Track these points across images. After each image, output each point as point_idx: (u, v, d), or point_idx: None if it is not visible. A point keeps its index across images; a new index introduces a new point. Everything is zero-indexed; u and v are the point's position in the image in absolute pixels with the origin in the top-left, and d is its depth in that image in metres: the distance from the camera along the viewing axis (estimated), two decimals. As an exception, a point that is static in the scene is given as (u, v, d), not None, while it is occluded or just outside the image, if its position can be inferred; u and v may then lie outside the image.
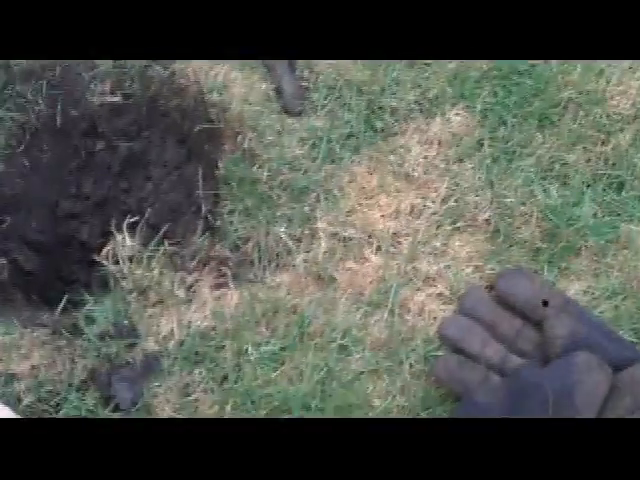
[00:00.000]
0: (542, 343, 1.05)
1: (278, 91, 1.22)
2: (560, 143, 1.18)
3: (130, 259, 1.08)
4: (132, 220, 1.10)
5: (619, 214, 1.15)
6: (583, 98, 1.22)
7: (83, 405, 1.02)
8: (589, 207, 1.14)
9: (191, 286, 1.09)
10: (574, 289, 1.11)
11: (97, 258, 1.10)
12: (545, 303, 1.06)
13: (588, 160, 1.18)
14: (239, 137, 1.17)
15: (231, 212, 1.14)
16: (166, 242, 1.09)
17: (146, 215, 1.13)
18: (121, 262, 1.08)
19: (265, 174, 1.14)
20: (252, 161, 1.15)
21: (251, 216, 1.13)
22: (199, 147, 1.20)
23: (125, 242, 1.08)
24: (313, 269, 1.11)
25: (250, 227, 1.13)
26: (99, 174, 1.20)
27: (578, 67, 1.23)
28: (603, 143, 1.19)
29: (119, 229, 1.09)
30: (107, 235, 1.15)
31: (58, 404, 1.02)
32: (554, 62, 1.23)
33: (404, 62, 1.23)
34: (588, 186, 1.17)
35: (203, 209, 1.15)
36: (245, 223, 1.13)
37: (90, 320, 1.07)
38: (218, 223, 1.13)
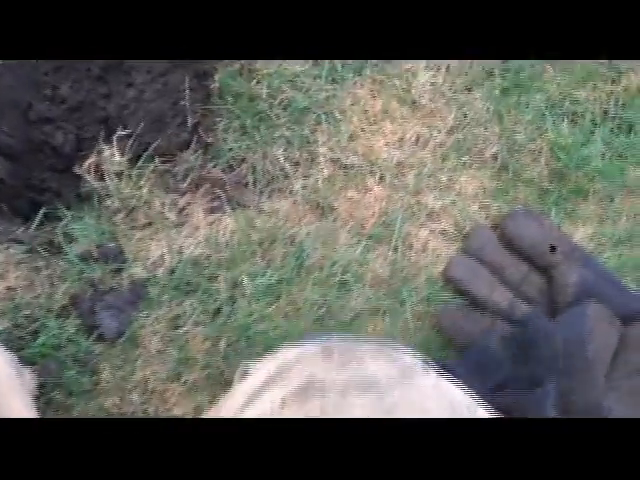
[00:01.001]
0: (548, 290, 1.01)
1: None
2: (570, 79, 1.13)
3: (118, 175, 0.98)
4: (123, 134, 1.00)
5: (627, 157, 1.12)
6: (597, 33, 1.15)
7: (63, 333, 0.94)
8: (598, 147, 1.10)
9: (183, 209, 1.00)
10: (580, 234, 1.07)
11: (78, 171, 1.00)
12: (553, 248, 1.02)
13: (598, 98, 1.13)
14: (235, 47, 1.07)
15: (225, 129, 1.05)
16: (156, 159, 1.00)
17: (134, 126, 1.02)
18: (107, 178, 0.98)
19: (265, 91, 1.05)
20: (250, 75, 1.06)
21: (247, 135, 1.04)
22: (187, 54, 1.10)
23: (114, 156, 0.98)
24: (312, 197, 1.04)
25: (246, 147, 1.04)
26: (77, 77, 1.08)
27: None
28: (614, 82, 1.15)
29: (108, 141, 0.99)
30: (83, 143, 1.05)
31: (36, 331, 0.94)
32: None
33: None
34: (597, 125, 1.12)
35: (189, 121, 1.06)
36: (240, 142, 1.04)
37: (70, 238, 0.98)
38: (210, 139, 1.04)
